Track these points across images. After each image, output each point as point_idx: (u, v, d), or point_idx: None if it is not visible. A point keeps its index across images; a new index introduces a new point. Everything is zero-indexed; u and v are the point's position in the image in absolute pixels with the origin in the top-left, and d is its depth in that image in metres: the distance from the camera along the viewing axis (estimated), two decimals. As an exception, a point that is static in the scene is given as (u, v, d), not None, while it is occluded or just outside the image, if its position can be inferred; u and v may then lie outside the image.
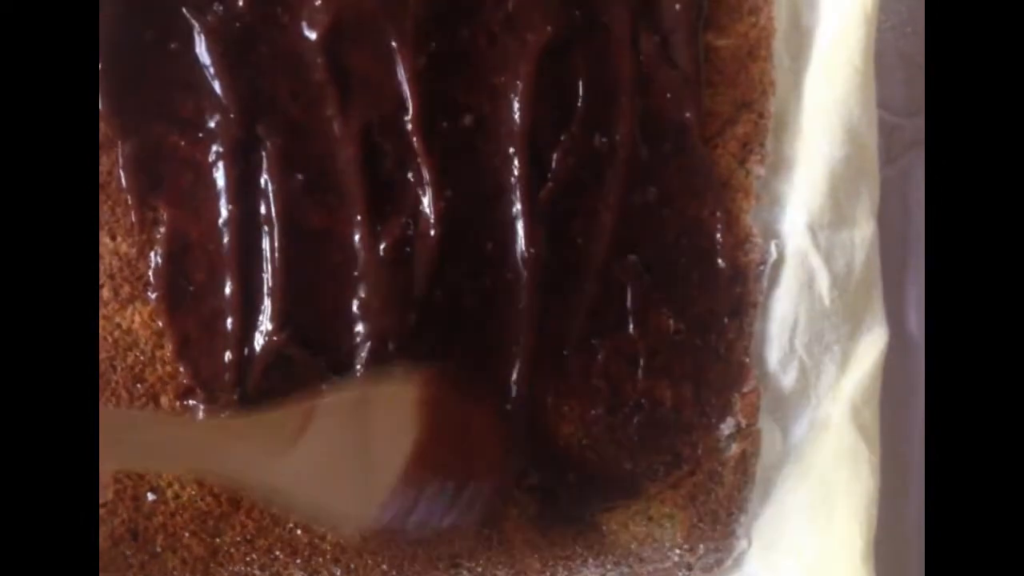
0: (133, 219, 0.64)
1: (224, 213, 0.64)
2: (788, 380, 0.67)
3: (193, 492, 0.65)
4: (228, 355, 0.64)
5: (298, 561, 0.66)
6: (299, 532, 0.66)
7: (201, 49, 0.64)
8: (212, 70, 0.63)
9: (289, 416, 0.59)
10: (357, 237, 0.64)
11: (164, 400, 0.65)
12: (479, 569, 0.67)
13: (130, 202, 0.64)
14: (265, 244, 0.64)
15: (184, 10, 0.63)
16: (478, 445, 0.63)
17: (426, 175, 0.64)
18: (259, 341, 0.64)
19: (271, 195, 0.64)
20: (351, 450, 0.59)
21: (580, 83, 0.66)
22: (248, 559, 0.65)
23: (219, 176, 0.64)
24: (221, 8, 0.64)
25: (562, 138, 0.65)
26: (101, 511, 0.64)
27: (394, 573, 0.66)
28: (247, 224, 0.64)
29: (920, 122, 0.72)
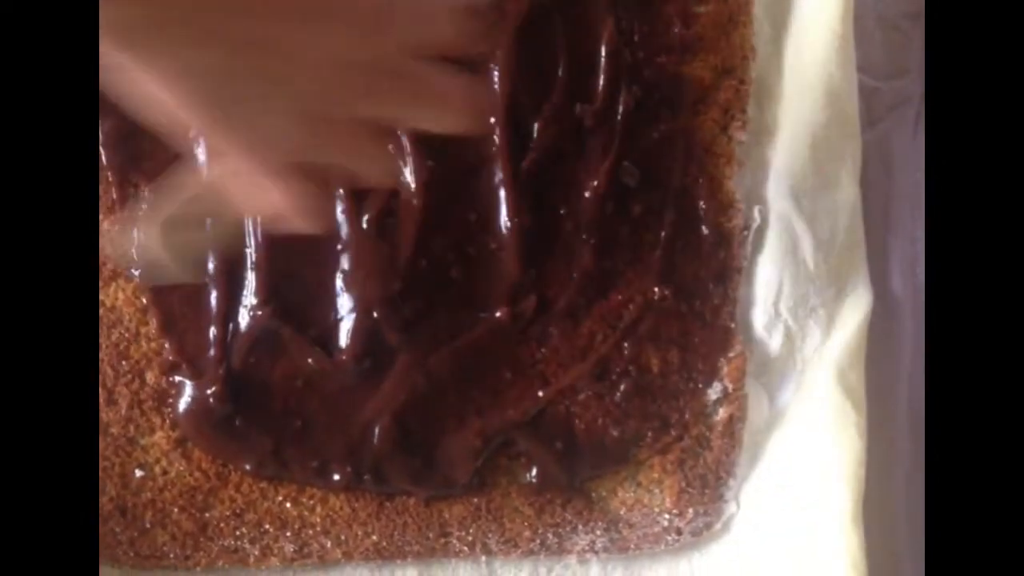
0: (115, 196, 0.64)
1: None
2: (774, 344, 0.67)
3: (181, 467, 0.65)
4: (213, 331, 0.64)
5: (288, 534, 0.66)
6: (288, 505, 0.66)
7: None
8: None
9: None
10: (340, 209, 0.64)
11: (150, 376, 0.65)
12: (469, 538, 0.67)
13: (111, 179, 0.64)
14: (247, 219, 0.64)
15: None
16: None
17: (408, 146, 0.64)
18: (244, 316, 0.64)
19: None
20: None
21: (560, 52, 0.66)
22: (238, 533, 0.66)
23: (200, 151, 0.63)
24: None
25: (543, 107, 0.65)
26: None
27: (384, 544, 0.66)
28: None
29: (899, 84, 0.72)
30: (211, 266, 0.64)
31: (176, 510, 0.65)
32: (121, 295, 0.65)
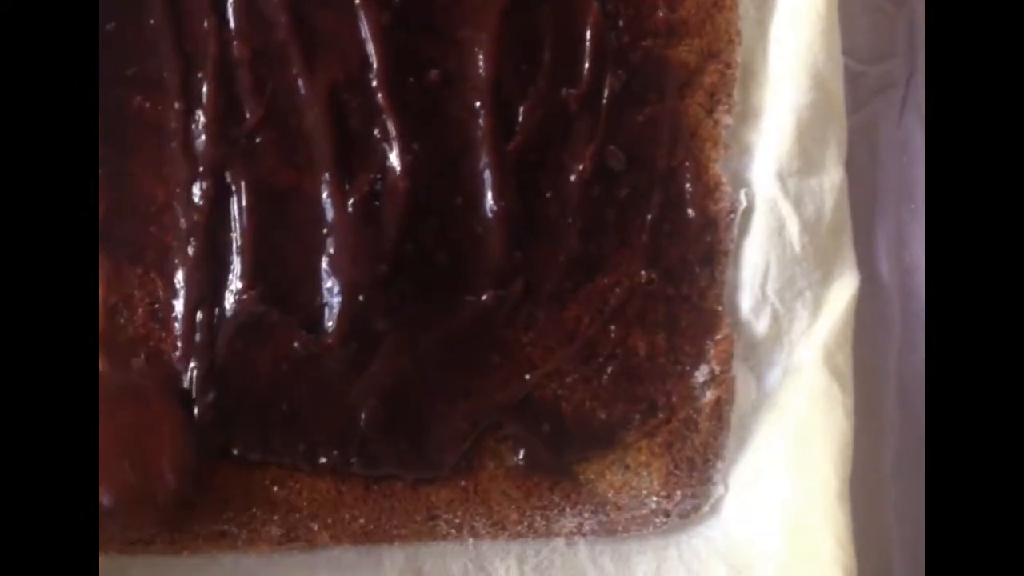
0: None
1: (190, 175, 0.64)
2: (761, 327, 0.68)
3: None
4: (199, 315, 0.64)
5: (275, 518, 0.65)
6: (275, 489, 0.65)
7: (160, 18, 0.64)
8: (174, 35, 0.64)
9: None
10: (325, 194, 0.64)
11: (135, 362, 0.64)
12: (457, 521, 0.67)
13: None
14: (233, 204, 0.64)
15: None
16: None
17: (392, 130, 0.64)
18: (230, 300, 0.64)
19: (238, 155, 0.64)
20: None
21: (545, 36, 0.66)
22: (225, 517, 0.65)
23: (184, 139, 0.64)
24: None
25: (529, 91, 0.65)
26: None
27: (372, 527, 0.66)
28: (214, 186, 0.64)
29: (885, 68, 0.72)
30: (194, 251, 0.63)
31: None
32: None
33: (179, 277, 0.64)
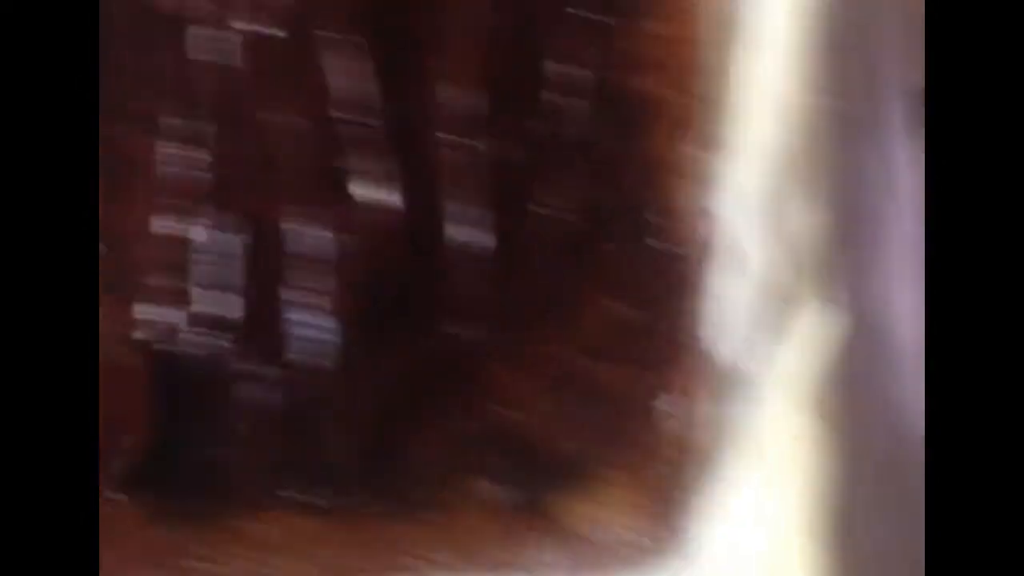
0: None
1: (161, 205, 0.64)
2: (729, 359, 0.67)
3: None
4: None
5: (243, 551, 0.66)
6: (245, 522, 0.66)
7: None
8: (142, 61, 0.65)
9: None
10: (299, 225, 0.65)
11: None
12: (426, 555, 0.67)
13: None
14: (203, 234, 0.65)
15: None
16: None
17: (359, 164, 0.65)
18: (195, 332, 0.64)
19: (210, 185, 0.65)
20: None
21: (512, 68, 0.66)
22: (193, 551, 0.65)
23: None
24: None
25: (494, 124, 0.66)
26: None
27: (341, 561, 0.66)
28: (184, 216, 0.65)
29: (854, 105, 0.72)
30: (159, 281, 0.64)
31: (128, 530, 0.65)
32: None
33: (141, 310, 0.65)
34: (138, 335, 0.65)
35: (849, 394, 0.69)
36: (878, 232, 0.72)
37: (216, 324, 0.64)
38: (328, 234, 0.65)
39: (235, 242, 0.65)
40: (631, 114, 0.67)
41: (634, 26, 0.67)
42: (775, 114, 0.67)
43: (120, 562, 0.64)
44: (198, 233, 0.65)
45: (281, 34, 0.65)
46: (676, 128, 0.67)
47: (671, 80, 0.67)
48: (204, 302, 0.64)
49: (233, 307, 0.64)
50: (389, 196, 0.65)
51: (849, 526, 0.69)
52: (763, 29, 0.68)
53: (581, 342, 0.67)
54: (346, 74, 0.65)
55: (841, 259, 0.71)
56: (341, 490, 0.65)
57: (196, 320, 0.65)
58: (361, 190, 0.65)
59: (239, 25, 0.65)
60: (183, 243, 0.64)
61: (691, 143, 0.67)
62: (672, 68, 0.67)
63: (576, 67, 0.67)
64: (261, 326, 0.65)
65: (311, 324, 0.65)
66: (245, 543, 0.66)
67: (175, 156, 0.65)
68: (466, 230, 0.66)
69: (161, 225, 0.64)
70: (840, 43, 0.72)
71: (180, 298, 0.65)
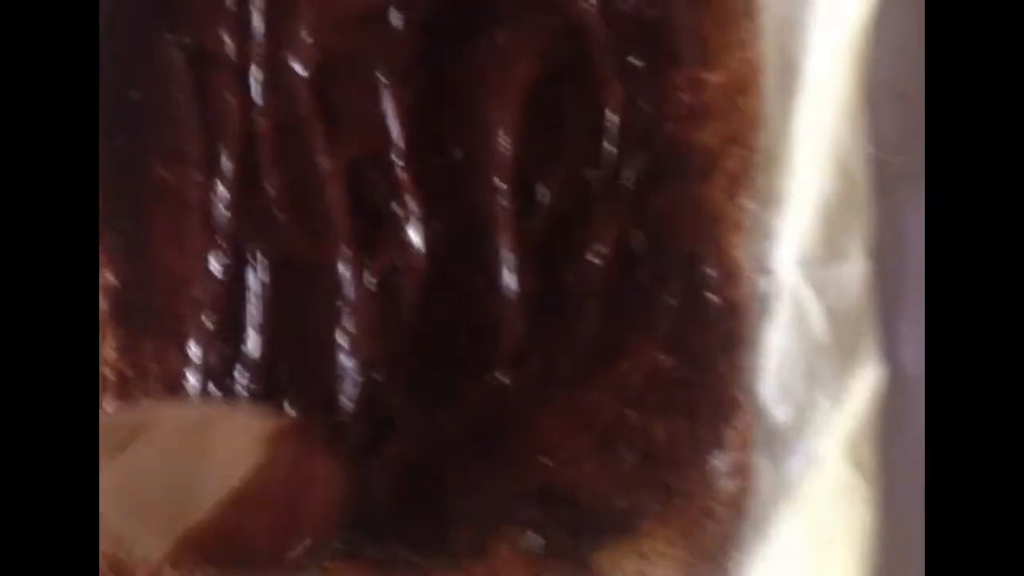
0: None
1: (209, 247, 0.64)
2: (781, 415, 0.66)
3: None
4: (213, 390, 0.64)
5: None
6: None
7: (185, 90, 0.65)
8: (198, 107, 0.64)
9: (122, 421, 0.58)
10: (344, 269, 0.64)
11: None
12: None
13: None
14: (251, 277, 0.64)
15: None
16: (312, 495, 0.59)
17: (413, 208, 0.64)
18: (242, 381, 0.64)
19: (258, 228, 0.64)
20: (176, 469, 0.56)
21: (569, 117, 0.66)
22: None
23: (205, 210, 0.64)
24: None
25: (551, 172, 0.65)
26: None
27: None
28: (234, 258, 0.64)
29: (909, 159, 0.72)
30: (210, 324, 0.64)
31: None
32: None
33: (194, 351, 0.64)
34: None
35: (889, 447, 0.68)
36: (919, 283, 0.72)
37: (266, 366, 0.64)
38: (377, 279, 0.65)
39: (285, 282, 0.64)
40: (689, 166, 0.67)
41: (694, 77, 0.67)
42: (830, 167, 0.66)
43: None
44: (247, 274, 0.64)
45: (336, 76, 0.65)
46: (734, 181, 0.67)
47: (730, 132, 0.67)
48: (254, 343, 0.64)
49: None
50: (441, 241, 0.65)
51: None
52: (820, 82, 0.67)
53: (633, 395, 0.66)
54: (403, 118, 0.65)
55: (887, 313, 0.71)
56: (386, 539, 0.65)
57: (247, 363, 0.64)
58: (414, 235, 0.65)
59: (296, 67, 0.65)
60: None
61: (749, 196, 0.67)
62: (731, 120, 0.67)
63: (634, 117, 0.66)
64: (312, 369, 0.64)
65: (357, 368, 0.64)
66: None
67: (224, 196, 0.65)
68: (518, 278, 0.65)
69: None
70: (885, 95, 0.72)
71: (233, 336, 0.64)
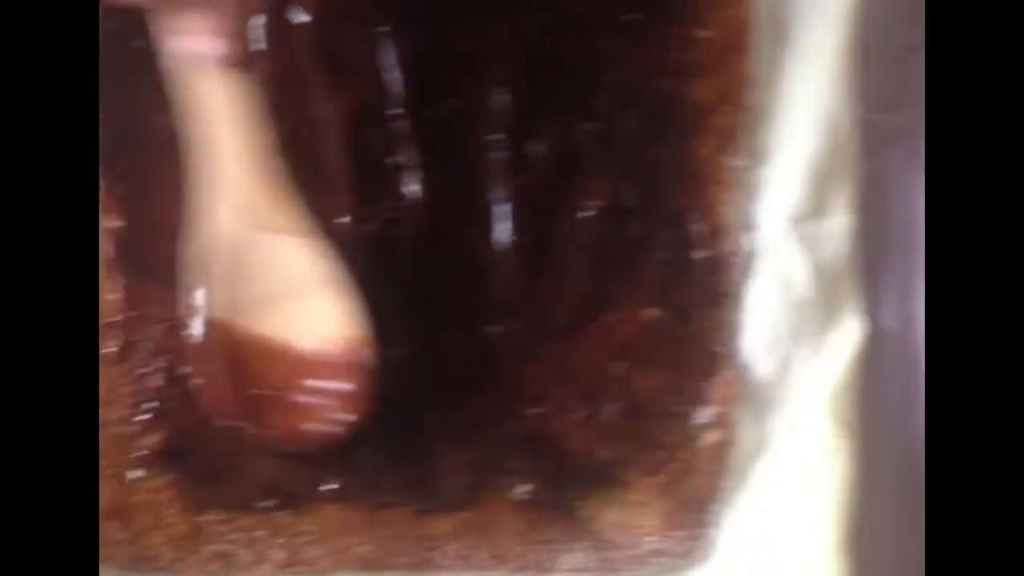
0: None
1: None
2: (764, 370, 0.68)
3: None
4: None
5: (280, 541, 0.67)
6: (282, 513, 0.67)
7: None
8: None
9: None
10: (340, 220, 0.65)
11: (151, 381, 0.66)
12: (459, 551, 0.68)
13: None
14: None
15: None
16: None
17: (410, 159, 0.65)
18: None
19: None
20: None
21: (562, 71, 0.67)
22: (231, 538, 0.67)
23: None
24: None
25: (546, 126, 0.66)
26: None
27: (374, 555, 0.67)
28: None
29: (899, 117, 0.72)
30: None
31: (171, 512, 0.66)
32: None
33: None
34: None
35: (867, 402, 0.69)
36: (902, 242, 0.72)
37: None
38: (371, 228, 0.65)
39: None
40: (680, 122, 0.67)
41: (686, 33, 0.67)
42: (818, 125, 0.67)
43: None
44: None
45: (333, 27, 0.66)
46: (723, 138, 0.67)
47: (721, 89, 0.67)
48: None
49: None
50: (436, 192, 0.66)
51: (865, 533, 0.69)
52: (811, 40, 0.67)
53: (620, 348, 0.67)
54: (398, 72, 0.65)
55: (870, 270, 0.72)
56: (377, 486, 0.66)
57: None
58: (407, 186, 0.65)
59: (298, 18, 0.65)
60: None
61: (737, 154, 0.67)
62: (722, 77, 0.67)
63: (627, 73, 0.67)
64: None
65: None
66: (286, 532, 0.66)
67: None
68: (508, 230, 0.66)
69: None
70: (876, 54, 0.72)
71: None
